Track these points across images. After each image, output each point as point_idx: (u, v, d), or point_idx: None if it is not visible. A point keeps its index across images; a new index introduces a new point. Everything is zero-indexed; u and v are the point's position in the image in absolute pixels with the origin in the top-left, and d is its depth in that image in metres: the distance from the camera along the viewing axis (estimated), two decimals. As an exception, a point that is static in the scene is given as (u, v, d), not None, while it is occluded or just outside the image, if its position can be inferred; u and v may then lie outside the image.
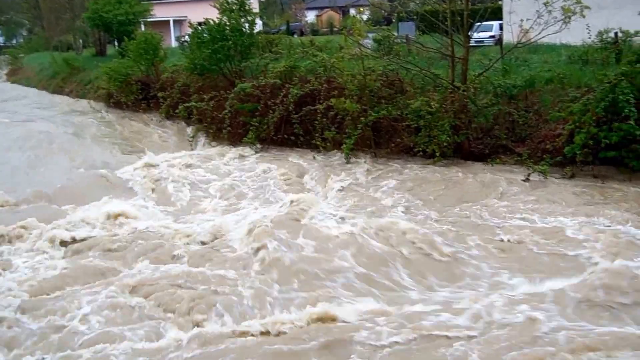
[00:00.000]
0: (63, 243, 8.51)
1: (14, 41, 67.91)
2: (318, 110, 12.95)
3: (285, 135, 13.62)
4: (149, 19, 31.73)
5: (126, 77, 20.23)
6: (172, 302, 6.44)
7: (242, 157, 13.58)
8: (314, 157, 12.80)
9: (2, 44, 71.35)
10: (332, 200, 10.11)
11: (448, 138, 11.07)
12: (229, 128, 14.50)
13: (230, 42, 16.04)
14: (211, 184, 11.59)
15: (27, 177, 12.61)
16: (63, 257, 8.14)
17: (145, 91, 19.72)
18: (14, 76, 39.14)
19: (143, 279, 7.11)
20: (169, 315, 6.30)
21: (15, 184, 11.82)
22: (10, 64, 43.14)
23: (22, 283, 7.17)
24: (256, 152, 13.82)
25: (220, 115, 14.71)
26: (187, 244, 8.20)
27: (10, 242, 8.63)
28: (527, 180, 9.94)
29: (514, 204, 8.98)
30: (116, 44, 31.08)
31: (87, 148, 15.84)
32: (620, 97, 9.50)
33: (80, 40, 39.36)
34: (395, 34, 15.17)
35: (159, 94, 18.43)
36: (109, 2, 28.61)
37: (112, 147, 16.09)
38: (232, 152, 14.04)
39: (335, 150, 12.76)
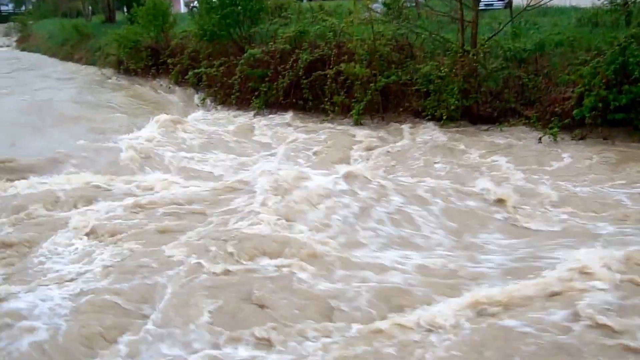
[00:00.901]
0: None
1: (23, 8, 67.74)
2: (328, 76, 12.97)
3: (294, 100, 13.68)
4: (158, -15, 31.50)
5: (135, 43, 20.26)
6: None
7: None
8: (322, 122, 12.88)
9: (11, 11, 71.28)
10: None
11: (457, 102, 11.13)
12: (237, 94, 14.61)
13: (239, 8, 15.98)
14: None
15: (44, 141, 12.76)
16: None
17: (155, 57, 19.76)
18: (24, 43, 39.23)
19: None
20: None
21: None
22: (19, 31, 43.14)
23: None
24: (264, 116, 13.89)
25: (230, 81, 14.79)
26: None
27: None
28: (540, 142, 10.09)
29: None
30: (125, 10, 31.03)
31: (96, 114, 15.98)
32: (631, 59, 9.47)
33: (90, 7, 39.27)
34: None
35: (169, 61, 18.50)
36: (117, -33, 28.54)
37: (121, 113, 16.20)
38: (243, 117, 14.13)
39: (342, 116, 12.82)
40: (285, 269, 5.92)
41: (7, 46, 40.68)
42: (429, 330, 4.73)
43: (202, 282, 5.77)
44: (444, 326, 4.73)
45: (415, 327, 4.78)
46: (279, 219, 7.08)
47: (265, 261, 6.10)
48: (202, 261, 6.13)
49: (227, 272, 5.95)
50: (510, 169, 9.06)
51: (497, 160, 9.49)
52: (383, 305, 5.20)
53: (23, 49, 37.26)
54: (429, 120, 11.66)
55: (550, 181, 8.35)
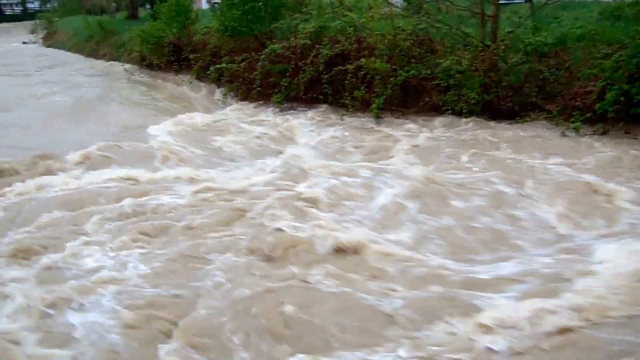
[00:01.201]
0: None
1: (48, 5, 68.74)
2: (348, 70, 13.05)
3: (315, 95, 13.78)
4: (180, -18, 31.79)
5: (158, 39, 20.51)
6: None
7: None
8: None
9: (37, 9, 72.38)
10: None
11: (477, 96, 11.16)
12: (258, 89, 14.76)
13: (260, 3, 16.09)
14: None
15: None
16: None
17: (177, 53, 20.00)
18: (49, 40, 39.80)
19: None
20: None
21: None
22: (45, 28, 43.80)
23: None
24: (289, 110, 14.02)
25: (251, 77, 14.95)
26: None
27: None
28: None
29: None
30: (148, 6, 31.34)
31: (123, 109, 16.31)
32: (653, 53, 9.44)
33: (113, 4, 39.74)
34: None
35: (191, 56, 18.73)
36: (139, -35, 28.87)
37: (145, 107, 16.51)
38: (266, 112, 14.28)
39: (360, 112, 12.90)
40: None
41: (34, 43, 41.30)
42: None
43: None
44: None
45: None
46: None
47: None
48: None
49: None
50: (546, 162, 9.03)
51: (534, 154, 9.45)
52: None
53: (49, 46, 37.82)
54: (449, 114, 11.68)
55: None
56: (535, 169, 8.71)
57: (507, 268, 5.85)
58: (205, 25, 19.96)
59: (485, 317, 4.87)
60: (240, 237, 6.80)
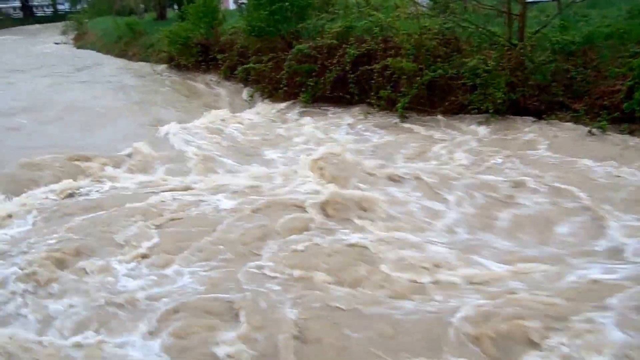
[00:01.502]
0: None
1: (78, 7, 69.96)
2: (374, 70, 13.15)
3: (340, 94, 13.91)
4: (207, -18, 32.19)
5: (186, 40, 20.86)
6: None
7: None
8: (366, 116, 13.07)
9: (67, 10, 73.76)
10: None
11: (503, 95, 11.17)
12: (285, 88, 14.95)
13: (287, 4, 16.27)
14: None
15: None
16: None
17: (205, 53, 20.35)
18: (80, 41, 40.54)
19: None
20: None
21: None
22: (75, 29, 44.63)
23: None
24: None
25: (278, 76, 15.15)
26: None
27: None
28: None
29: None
30: (176, 7, 31.81)
31: (152, 108, 16.68)
32: (682, 51, 9.37)
33: (142, 5, 40.36)
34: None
35: (218, 56, 19.06)
36: (168, -34, 29.34)
37: (174, 107, 16.85)
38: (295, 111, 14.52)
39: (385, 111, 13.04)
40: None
41: (65, 43, 42.07)
42: None
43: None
44: None
45: None
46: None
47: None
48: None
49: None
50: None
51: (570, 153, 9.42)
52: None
53: (79, 47, 38.53)
54: (476, 113, 11.71)
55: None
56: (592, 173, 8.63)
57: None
58: (233, 25, 20.24)
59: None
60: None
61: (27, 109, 16.69)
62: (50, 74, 25.16)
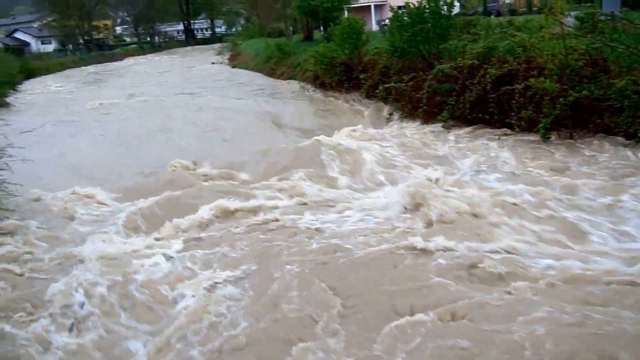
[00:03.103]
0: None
1: (233, 29, 75.39)
2: (516, 90, 13.08)
3: (479, 114, 13.98)
4: (352, 5, 33.50)
5: (331, 60, 21.99)
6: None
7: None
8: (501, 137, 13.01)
9: (224, 32, 79.79)
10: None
11: (655, 118, 10.67)
12: (424, 107, 15.28)
13: (429, 25, 16.71)
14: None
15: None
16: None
17: (348, 73, 21.31)
18: (234, 61, 43.84)
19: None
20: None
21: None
22: (230, 50, 48.22)
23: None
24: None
25: (418, 96, 15.53)
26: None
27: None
28: None
29: None
30: (322, 29, 33.36)
31: (304, 122, 18.34)
32: None
33: (290, 27, 42.68)
34: (599, 10, 14.57)
35: (361, 76, 19.89)
36: (316, -10, 30.93)
37: (322, 121, 18.10)
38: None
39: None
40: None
41: (220, 63, 45.71)
42: None
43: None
44: None
45: None
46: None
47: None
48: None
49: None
50: None
51: None
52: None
53: (234, 66, 41.67)
54: (623, 137, 11.26)
55: None
56: None
57: None
58: (375, 46, 20.98)
59: None
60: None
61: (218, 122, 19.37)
62: (218, 91, 27.90)
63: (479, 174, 10.75)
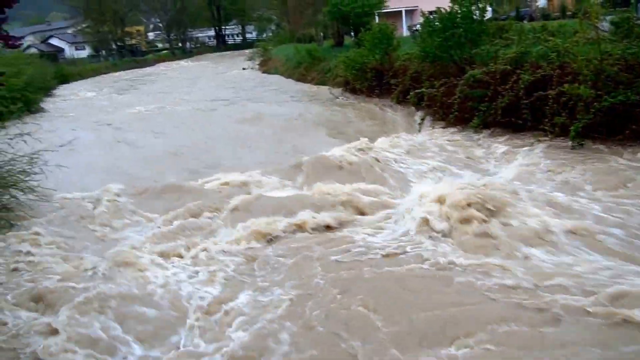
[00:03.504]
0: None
1: (264, 35, 76.07)
2: (549, 96, 12.97)
3: (512, 120, 13.88)
4: (382, 10, 33.53)
5: (361, 65, 22.09)
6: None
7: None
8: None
9: (254, 38, 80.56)
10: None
11: (694, 124, 10.48)
12: (456, 113, 15.24)
13: (461, 30, 16.66)
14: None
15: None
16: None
17: (379, 78, 21.36)
18: (265, 66, 44.26)
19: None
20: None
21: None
22: (261, 55, 48.69)
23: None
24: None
25: (450, 101, 15.50)
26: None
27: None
28: None
29: None
30: (352, 34, 33.46)
31: (338, 125, 18.62)
32: None
33: (321, 33, 42.92)
34: (635, 15, 14.36)
35: (392, 81, 19.93)
36: (347, -4, 31.07)
37: (355, 127, 18.23)
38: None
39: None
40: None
41: (251, 69, 46.19)
42: None
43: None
44: None
45: None
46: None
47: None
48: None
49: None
50: None
51: None
52: None
53: (264, 72, 42.07)
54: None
55: None
56: None
57: None
58: (406, 51, 20.99)
59: None
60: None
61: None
62: (253, 97, 28.33)
63: (530, 184, 10.16)
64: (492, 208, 7.85)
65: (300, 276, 7.05)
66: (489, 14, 19.12)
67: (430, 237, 7.78)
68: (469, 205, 7.92)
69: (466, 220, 7.79)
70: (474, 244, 7.35)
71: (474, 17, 17.05)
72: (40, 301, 6.72)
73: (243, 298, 6.69)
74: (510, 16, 31.91)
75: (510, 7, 42.13)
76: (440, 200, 8.30)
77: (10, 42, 5.20)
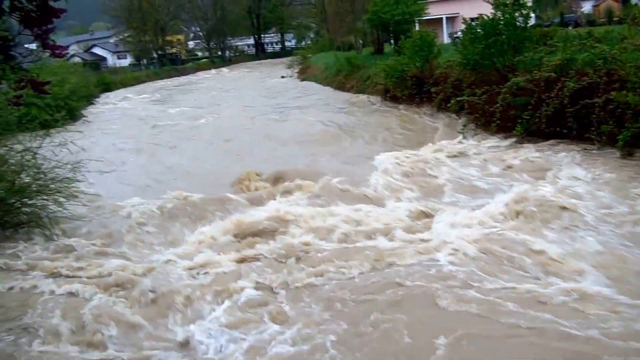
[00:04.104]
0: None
1: (303, 43, 76.56)
2: (596, 104, 12.66)
3: (556, 129, 13.59)
4: (423, 18, 33.31)
5: (401, 73, 21.95)
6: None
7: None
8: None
9: (294, 46, 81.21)
10: None
11: None
12: (498, 121, 15.00)
13: (503, 37, 16.43)
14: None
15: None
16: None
17: (419, 86, 21.19)
18: (303, 74, 44.40)
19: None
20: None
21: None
22: (300, 63, 48.92)
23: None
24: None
25: (492, 109, 15.27)
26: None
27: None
28: None
29: None
30: (392, 42, 33.32)
31: (381, 134, 18.70)
32: None
33: (360, 40, 42.87)
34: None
35: (432, 89, 19.74)
36: (387, 3, 30.98)
37: (398, 134, 18.37)
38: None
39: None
40: None
41: (290, 77, 46.44)
42: None
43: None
44: None
45: None
46: None
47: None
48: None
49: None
50: None
51: None
52: None
53: (303, 79, 42.19)
54: None
55: None
56: None
57: None
58: (447, 59, 20.78)
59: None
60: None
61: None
62: (296, 106, 28.46)
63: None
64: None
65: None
66: (532, 21, 18.74)
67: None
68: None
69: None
70: None
71: (517, 23, 16.78)
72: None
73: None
74: (554, 22, 31.39)
75: (555, 13, 41.40)
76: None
77: (57, 52, 5.30)
